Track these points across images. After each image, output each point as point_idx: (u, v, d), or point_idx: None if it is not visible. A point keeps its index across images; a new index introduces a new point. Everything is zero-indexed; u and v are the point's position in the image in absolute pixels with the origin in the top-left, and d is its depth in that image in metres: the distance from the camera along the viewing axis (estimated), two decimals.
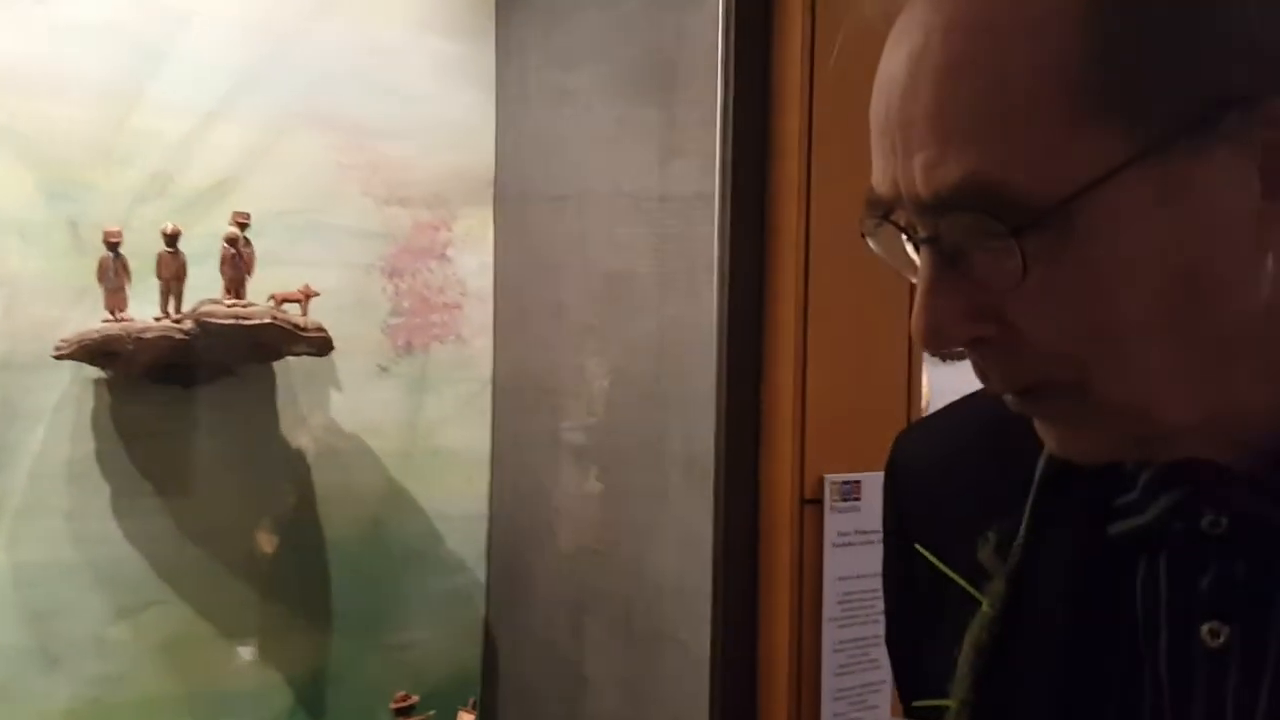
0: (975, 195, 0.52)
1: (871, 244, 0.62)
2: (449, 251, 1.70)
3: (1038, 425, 0.60)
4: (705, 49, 1.29)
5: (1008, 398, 0.59)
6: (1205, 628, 0.58)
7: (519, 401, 1.66)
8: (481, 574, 1.72)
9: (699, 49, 1.31)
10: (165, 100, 1.48)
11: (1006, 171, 0.51)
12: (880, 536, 1.39)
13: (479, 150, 1.71)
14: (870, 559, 1.30)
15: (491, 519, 1.71)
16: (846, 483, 1.27)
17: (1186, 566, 0.59)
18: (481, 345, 1.72)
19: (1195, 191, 0.51)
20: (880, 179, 0.57)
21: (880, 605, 1.37)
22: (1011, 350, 0.56)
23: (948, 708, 0.68)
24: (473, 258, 1.71)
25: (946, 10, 0.54)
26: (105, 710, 1.44)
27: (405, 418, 1.66)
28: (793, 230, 1.24)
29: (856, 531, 1.28)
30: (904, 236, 0.58)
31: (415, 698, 1.52)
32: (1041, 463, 0.67)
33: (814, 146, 1.24)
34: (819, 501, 1.25)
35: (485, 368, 1.72)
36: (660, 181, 1.36)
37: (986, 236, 0.52)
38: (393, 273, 1.65)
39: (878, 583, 1.36)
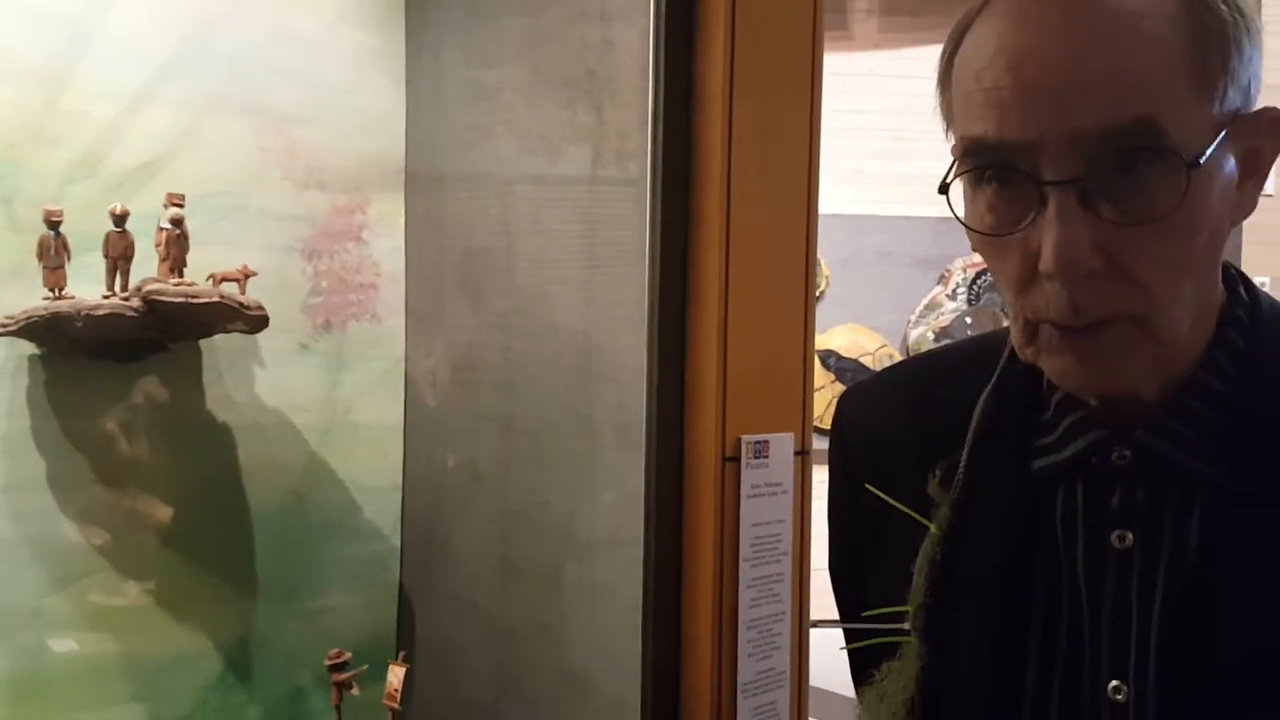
0: (1145, 131, 0.66)
1: (956, 195, 0.73)
2: (364, 234, 1.78)
3: (1052, 363, 0.73)
4: (633, 58, 1.45)
5: (1061, 335, 0.71)
6: (1114, 534, 0.77)
7: (435, 378, 1.77)
8: (396, 541, 1.82)
9: (627, 58, 1.46)
10: (94, 83, 1.51)
11: (1167, 122, 0.66)
12: (783, 489, 1.60)
13: (391, 138, 1.80)
14: (775, 508, 1.50)
15: (405, 489, 1.82)
16: (758, 442, 1.46)
17: (1098, 490, 0.78)
18: (395, 324, 1.81)
19: (1227, 169, 0.70)
20: (1020, 127, 0.67)
21: (781, 547, 1.58)
22: (1106, 283, 0.68)
23: (900, 613, 0.86)
24: (386, 241, 1.80)
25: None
26: (44, 679, 1.46)
27: (324, 393, 1.74)
28: (715, 220, 1.42)
29: (765, 484, 1.47)
30: (1001, 185, 0.70)
31: (349, 654, 1.61)
32: (976, 414, 0.86)
33: (733, 145, 1.42)
34: (737, 459, 1.44)
35: (398, 345, 1.82)
36: (591, 174, 1.51)
37: (1130, 174, 0.66)
38: (312, 254, 1.73)
39: (781, 528, 1.57)
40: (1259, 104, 0.74)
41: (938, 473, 0.85)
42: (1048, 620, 0.78)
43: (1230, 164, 0.71)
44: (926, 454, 0.87)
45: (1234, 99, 0.70)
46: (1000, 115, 0.69)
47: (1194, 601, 0.73)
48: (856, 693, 0.91)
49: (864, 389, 1.06)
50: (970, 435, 0.85)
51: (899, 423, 0.94)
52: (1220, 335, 0.76)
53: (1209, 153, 0.67)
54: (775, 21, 1.47)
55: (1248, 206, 0.74)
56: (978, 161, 0.71)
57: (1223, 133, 0.69)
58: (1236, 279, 0.79)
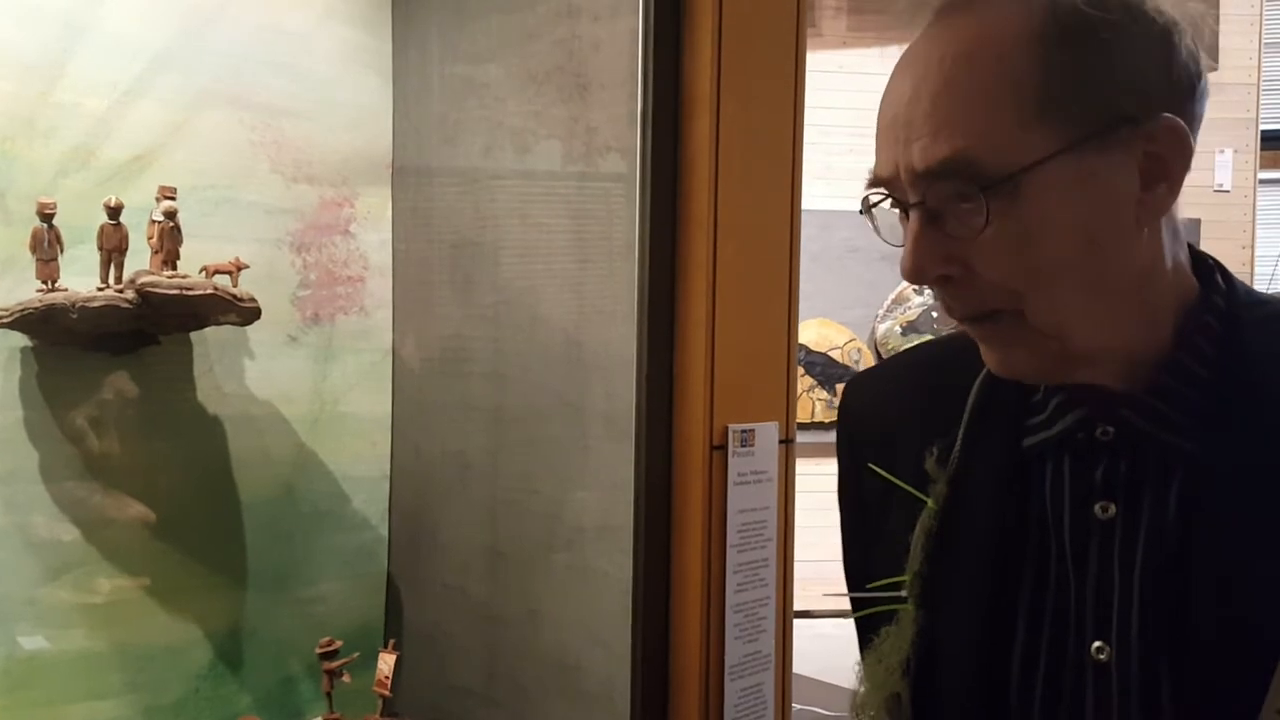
0: (957, 166, 0.76)
1: (869, 218, 0.85)
2: (352, 228, 1.80)
3: (985, 351, 0.85)
4: (622, 55, 1.48)
5: (965, 325, 0.83)
6: (1097, 506, 0.83)
7: (422, 369, 1.80)
8: (384, 530, 1.84)
9: (615, 55, 1.49)
10: (86, 77, 1.51)
11: (979, 153, 0.75)
12: (768, 477, 1.64)
13: (378, 133, 1.82)
14: (760, 495, 1.54)
15: (393, 479, 1.84)
16: (744, 431, 1.50)
17: (1084, 464, 0.84)
18: (382, 317, 1.83)
19: (1098, 178, 0.76)
20: (884, 165, 0.81)
21: (767, 533, 1.62)
22: (969, 287, 0.79)
23: (900, 581, 0.91)
24: (374, 234, 1.82)
25: (939, 47, 0.78)
26: (39, 668, 1.47)
27: (313, 385, 1.76)
28: (703, 217, 1.45)
29: (752, 472, 1.51)
30: (897, 208, 0.81)
31: (339, 642, 1.64)
32: (972, 396, 0.91)
33: (720, 142, 1.46)
34: (724, 447, 1.48)
35: (385, 338, 1.84)
36: (579, 170, 1.54)
37: (960, 198, 0.76)
38: (300, 247, 1.74)
39: (767, 515, 1.61)
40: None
41: (935, 450, 0.90)
42: (1035, 588, 0.83)
43: (1111, 170, 0.77)
44: (925, 434, 0.92)
45: (1098, 113, 0.75)
46: (876, 154, 0.81)
47: (1172, 566, 0.78)
48: (861, 659, 0.95)
49: (869, 376, 1.12)
50: (966, 415, 0.90)
51: (900, 406, 0.99)
52: (1199, 320, 0.81)
53: (1040, 167, 0.75)
54: (761, 19, 1.51)
55: (1159, 208, 0.79)
56: (875, 190, 0.83)
57: (1072, 145, 0.75)
58: (1214, 269, 0.85)
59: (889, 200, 0.82)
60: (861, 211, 0.84)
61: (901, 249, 0.81)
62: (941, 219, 0.77)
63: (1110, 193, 0.77)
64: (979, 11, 0.78)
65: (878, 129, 0.81)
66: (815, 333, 4.59)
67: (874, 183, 0.82)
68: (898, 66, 0.81)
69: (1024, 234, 0.76)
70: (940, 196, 0.77)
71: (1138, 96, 0.76)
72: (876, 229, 0.85)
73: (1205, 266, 0.85)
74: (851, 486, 1.01)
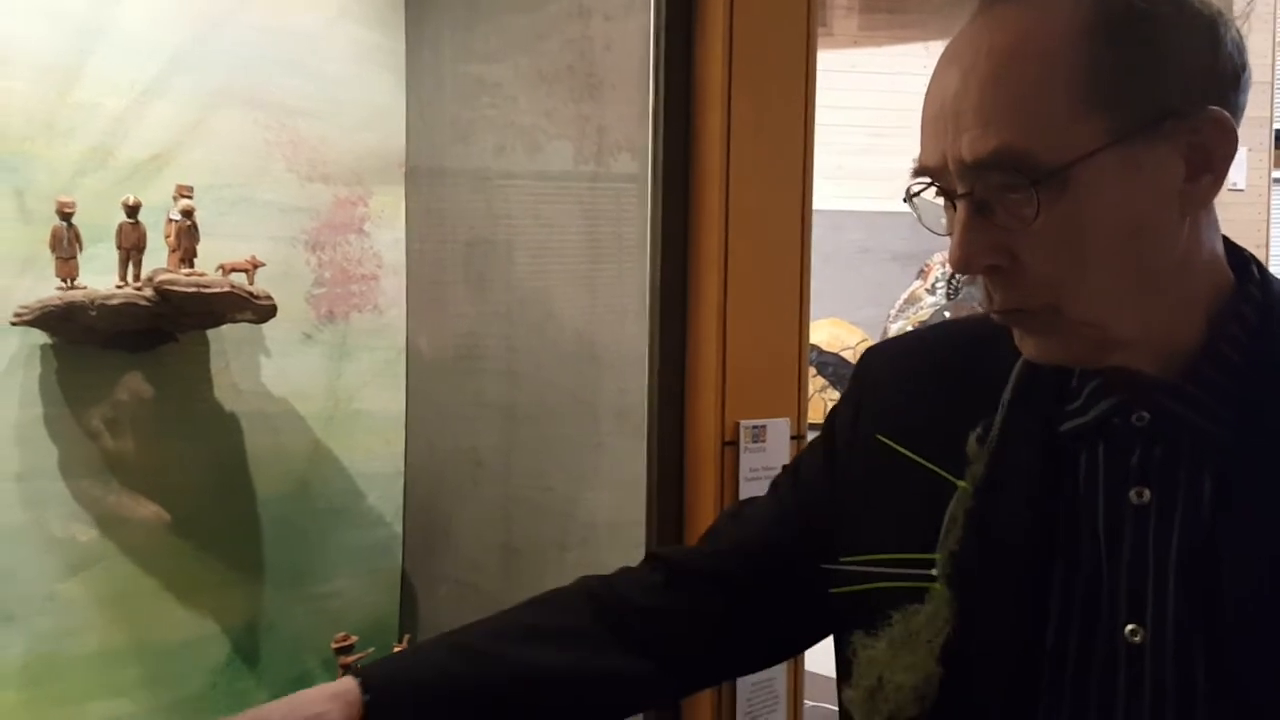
0: (1006, 158, 0.76)
1: (912, 206, 0.85)
2: (366, 226, 1.81)
3: (1018, 338, 0.85)
4: (633, 55, 1.49)
5: (1001, 318, 0.84)
6: (1132, 491, 0.83)
7: (435, 367, 1.81)
8: (399, 527, 1.85)
9: (627, 54, 1.50)
10: (104, 76, 1.53)
11: (1028, 145, 0.76)
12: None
13: (392, 132, 1.84)
14: None
15: (408, 476, 1.85)
16: (756, 427, 1.51)
17: (1119, 449, 0.84)
18: (396, 315, 1.85)
19: (1145, 170, 0.77)
20: (930, 155, 0.81)
21: None
22: (1014, 277, 0.80)
23: (911, 559, 0.90)
24: (388, 233, 1.84)
25: (987, 38, 0.79)
26: (59, 663, 1.49)
27: (327, 382, 1.77)
28: (715, 213, 1.46)
29: (763, 468, 1.52)
30: (943, 198, 0.82)
31: (354, 638, 1.65)
32: (1011, 381, 0.91)
33: (732, 140, 1.47)
34: (735, 443, 1.49)
35: (400, 336, 1.85)
36: (591, 169, 1.55)
37: (1009, 189, 0.77)
38: (315, 246, 1.76)
39: None
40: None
41: (975, 433, 0.90)
42: (1068, 572, 0.84)
43: (1158, 161, 0.77)
44: (961, 415, 0.92)
45: (1145, 105, 0.76)
46: (921, 144, 0.82)
47: (1206, 550, 0.79)
48: (856, 635, 0.91)
49: (894, 348, 1.10)
50: (1005, 398, 0.90)
51: (931, 383, 0.98)
52: (1236, 310, 0.82)
53: (1090, 159, 0.76)
54: (772, 18, 1.52)
55: (1203, 198, 0.80)
56: (919, 179, 0.83)
57: (1120, 138, 0.76)
58: (1250, 260, 0.86)
59: (933, 190, 0.83)
60: (905, 200, 0.84)
61: (944, 237, 0.82)
62: (990, 209, 0.78)
63: (1156, 184, 0.78)
64: (1027, 2, 0.78)
65: (923, 119, 0.81)
66: (827, 333, 4.59)
67: (919, 172, 0.82)
68: (944, 57, 0.81)
69: (1072, 225, 0.77)
70: (989, 187, 0.78)
71: (1184, 88, 0.77)
72: (920, 218, 0.85)
73: (1240, 259, 0.86)
74: (837, 449, 1.00)
